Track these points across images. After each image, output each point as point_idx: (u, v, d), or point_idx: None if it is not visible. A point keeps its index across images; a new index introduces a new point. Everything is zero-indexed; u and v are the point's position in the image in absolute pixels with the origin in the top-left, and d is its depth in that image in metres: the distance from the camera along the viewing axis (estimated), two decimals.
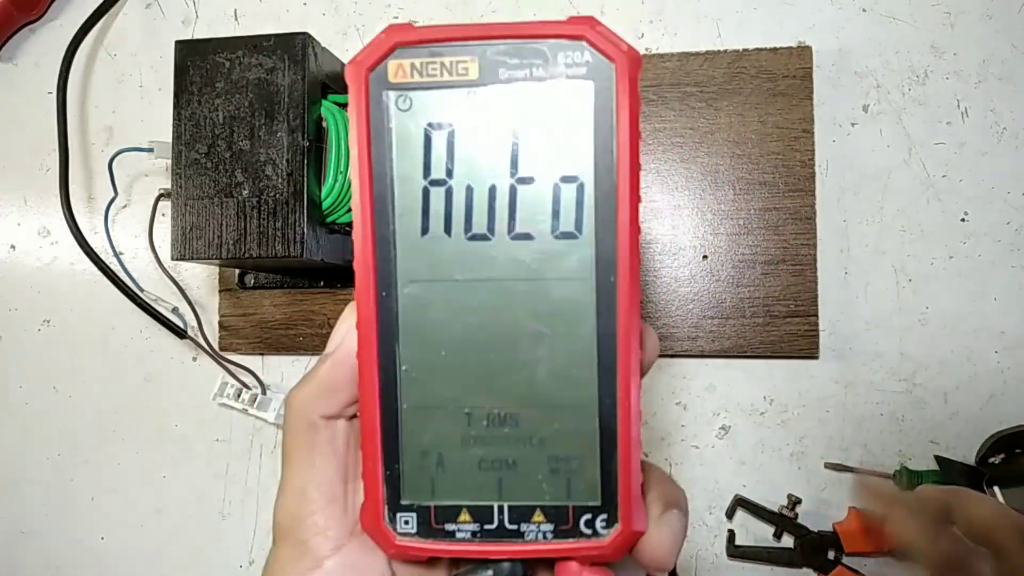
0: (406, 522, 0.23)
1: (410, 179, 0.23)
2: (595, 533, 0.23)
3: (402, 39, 0.23)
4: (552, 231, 0.23)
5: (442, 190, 0.23)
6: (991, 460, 0.44)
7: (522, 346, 0.23)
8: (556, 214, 0.23)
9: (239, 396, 0.51)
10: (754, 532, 0.47)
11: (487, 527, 0.23)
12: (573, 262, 0.23)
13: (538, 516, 0.23)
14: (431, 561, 0.24)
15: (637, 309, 0.23)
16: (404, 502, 0.23)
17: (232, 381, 0.51)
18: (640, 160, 0.23)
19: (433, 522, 0.23)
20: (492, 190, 0.23)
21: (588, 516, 0.23)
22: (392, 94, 0.23)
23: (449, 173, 0.23)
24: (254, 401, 0.50)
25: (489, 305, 0.23)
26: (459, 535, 0.23)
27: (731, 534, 0.46)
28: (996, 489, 0.43)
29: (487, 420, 0.24)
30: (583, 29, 0.22)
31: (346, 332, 0.24)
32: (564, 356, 0.23)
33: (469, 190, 0.23)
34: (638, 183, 0.23)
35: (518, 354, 0.23)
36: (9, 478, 0.56)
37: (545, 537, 0.23)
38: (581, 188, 0.23)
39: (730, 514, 0.47)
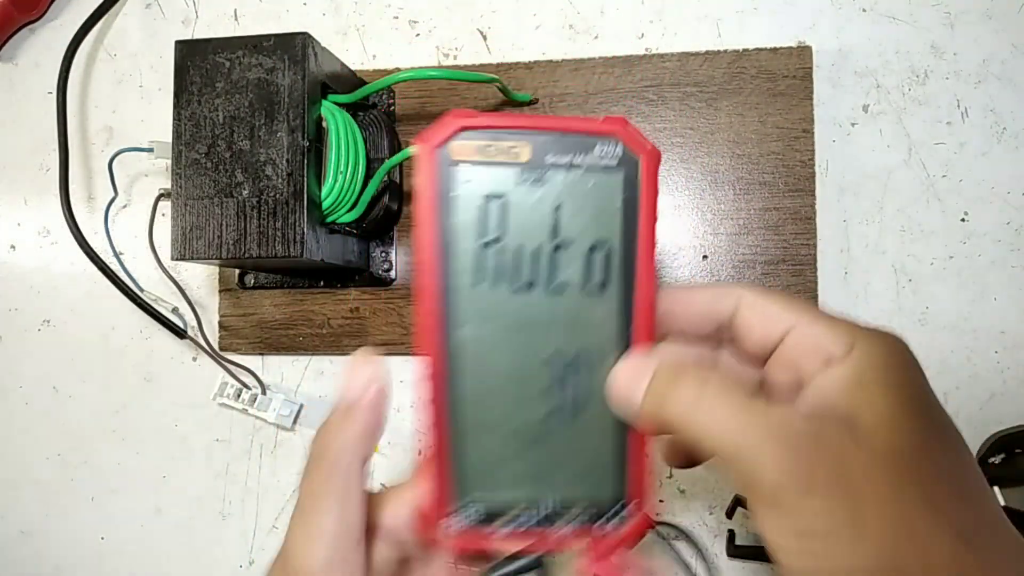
0: (460, 521, 0.28)
1: (468, 239, 0.28)
2: (615, 527, 0.29)
3: (467, 124, 0.28)
4: (583, 286, 0.28)
5: (494, 249, 0.28)
6: (991, 460, 0.44)
7: (558, 376, 0.28)
8: (588, 272, 0.28)
9: (239, 396, 0.51)
10: (754, 532, 0.47)
11: (528, 522, 0.28)
12: (600, 311, 0.28)
13: (570, 514, 0.29)
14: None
15: (652, 341, 0.28)
16: (461, 503, 0.28)
17: (232, 381, 0.51)
18: (657, 235, 0.28)
19: (483, 519, 0.28)
20: (536, 251, 0.28)
21: (610, 513, 0.29)
22: (456, 169, 0.28)
23: (501, 236, 0.28)
24: (254, 401, 0.50)
25: (530, 342, 0.28)
26: (505, 530, 0.28)
27: (731, 534, 0.46)
28: (996, 489, 0.43)
29: (527, 436, 0.29)
30: (616, 128, 0.27)
31: (368, 379, 0.27)
32: (592, 387, 0.28)
33: (517, 250, 0.28)
34: (654, 252, 0.28)
35: (555, 382, 0.28)
36: (9, 478, 0.56)
37: (575, 530, 0.28)
38: (609, 254, 0.28)
39: (730, 514, 0.47)
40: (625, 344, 0.28)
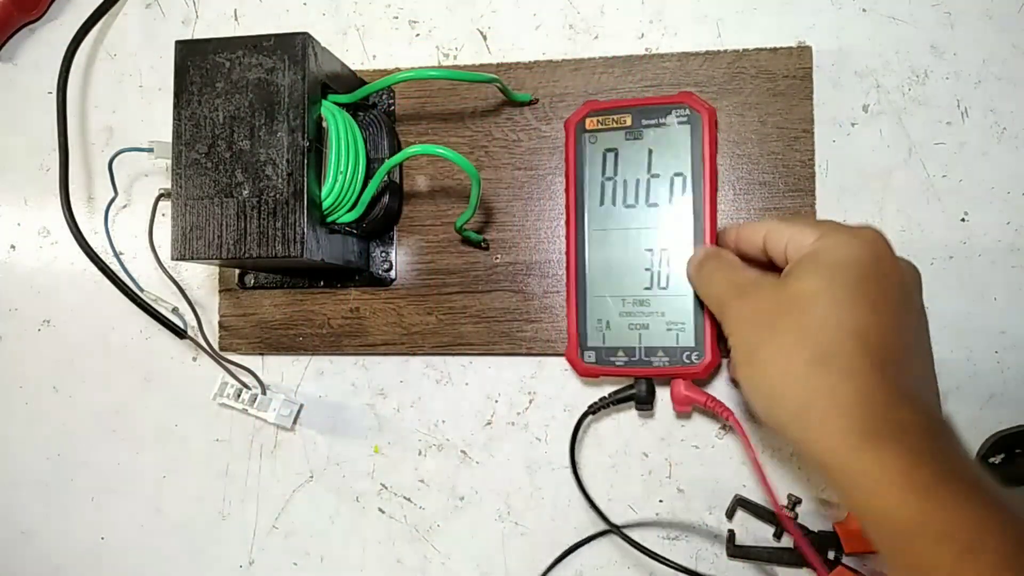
0: (589, 356, 0.45)
1: (595, 177, 0.44)
2: (692, 363, 0.43)
3: (593, 108, 0.45)
4: (669, 200, 0.43)
5: (611, 182, 0.44)
6: (991, 460, 0.44)
7: (652, 261, 0.43)
8: (671, 192, 0.43)
9: (239, 396, 0.51)
10: (754, 532, 0.47)
11: (632, 359, 0.44)
12: (681, 214, 0.43)
13: (661, 354, 0.43)
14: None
15: (714, 238, 0.43)
16: (588, 345, 0.45)
17: (232, 381, 0.51)
18: (716, 165, 0.44)
19: (603, 356, 0.44)
20: (637, 182, 0.44)
21: (688, 353, 0.43)
22: (587, 135, 0.45)
23: (615, 173, 0.44)
24: (254, 401, 0.50)
25: (634, 241, 0.44)
26: (617, 363, 0.44)
27: (731, 534, 0.46)
28: None
29: (633, 301, 0.44)
30: (684, 97, 0.43)
31: None
32: (675, 266, 0.43)
33: (625, 182, 0.44)
34: (715, 176, 0.43)
35: (650, 266, 0.43)
36: (9, 478, 0.56)
37: (664, 365, 0.43)
38: (684, 179, 0.43)
39: (730, 514, 0.47)
40: (696, 239, 0.42)
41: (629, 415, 0.48)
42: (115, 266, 0.50)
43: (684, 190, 0.43)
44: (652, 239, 0.43)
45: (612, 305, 0.44)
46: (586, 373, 0.45)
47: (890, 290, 0.32)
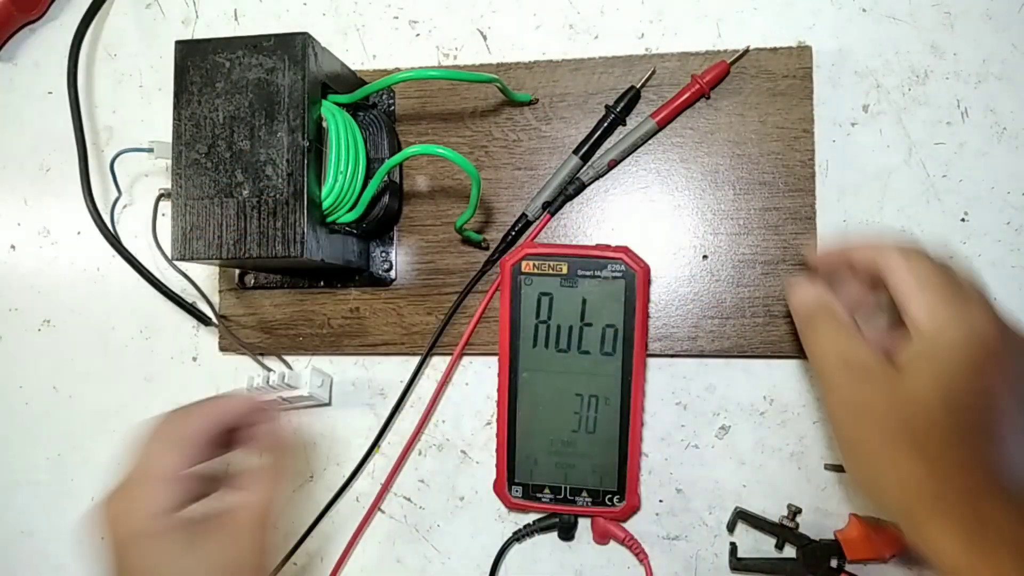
0: (516, 491, 0.46)
1: (529, 319, 0.45)
2: (613, 504, 0.45)
3: (529, 252, 0.45)
4: (600, 351, 0.44)
5: (545, 325, 0.45)
6: None
7: (581, 406, 0.45)
8: (602, 343, 0.44)
9: (268, 381, 0.49)
10: (756, 544, 0.47)
11: (558, 497, 0.46)
12: (611, 367, 0.44)
13: (584, 494, 0.46)
14: None
15: (642, 392, 0.45)
16: (516, 481, 0.46)
17: (259, 370, 0.50)
18: (648, 321, 0.45)
19: (530, 492, 0.46)
20: (570, 328, 0.44)
21: (610, 495, 0.45)
22: (522, 277, 0.45)
23: (549, 317, 0.45)
24: (283, 379, 0.49)
25: (565, 385, 0.45)
26: (543, 500, 0.46)
27: (733, 547, 0.46)
28: None
29: (560, 443, 0.45)
30: (621, 253, 0.44)
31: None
32: (603, 413, 0.45)
33: (558, 327, 0.45)
34: (645, 331, 0.45)
35: (579, 410, 0.45)
36: (9, 478, 0.56)
37: (587, 504, 0.46)
38: (616, 331, 0.44)
39: (731, 527, 0.47)
40: (627, 387, 0.44)
41: None
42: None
43: (616, 342, 0.44)
44: (582, 385, 0.44)
45: (540, 444, 0.45)
46: (512, 507, 0.47)
47: (1006, 392, 0.32)
